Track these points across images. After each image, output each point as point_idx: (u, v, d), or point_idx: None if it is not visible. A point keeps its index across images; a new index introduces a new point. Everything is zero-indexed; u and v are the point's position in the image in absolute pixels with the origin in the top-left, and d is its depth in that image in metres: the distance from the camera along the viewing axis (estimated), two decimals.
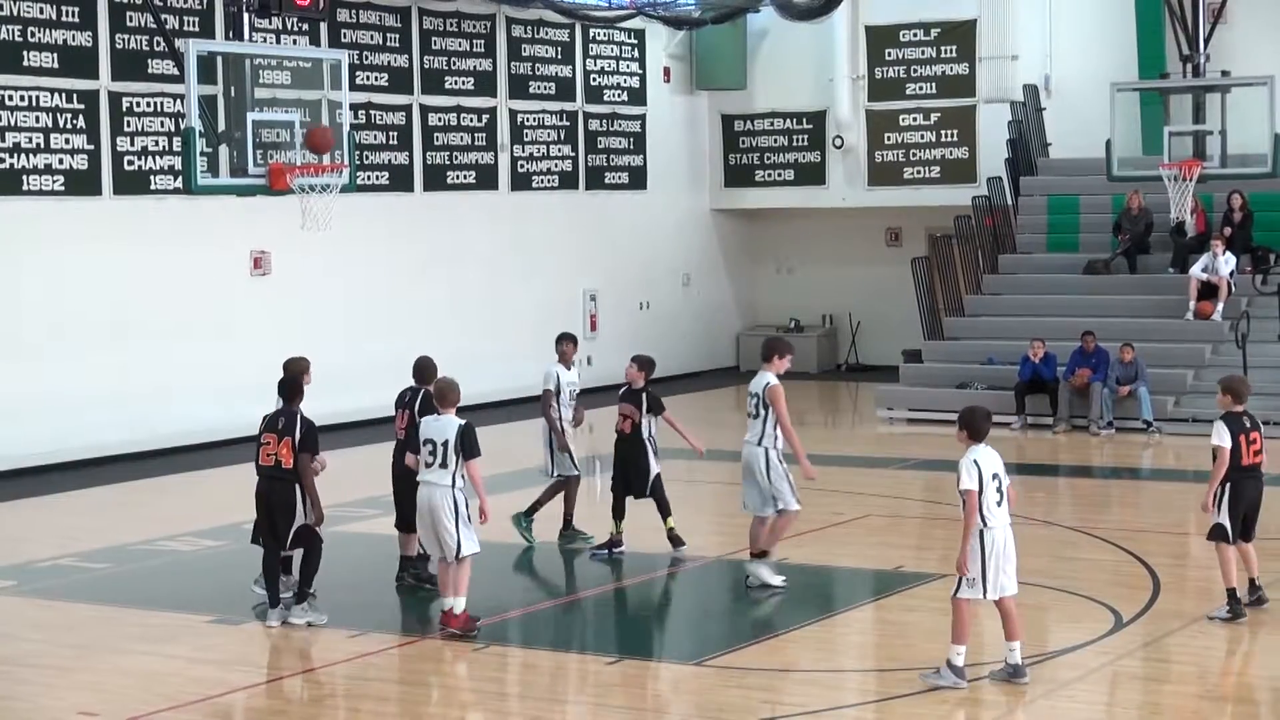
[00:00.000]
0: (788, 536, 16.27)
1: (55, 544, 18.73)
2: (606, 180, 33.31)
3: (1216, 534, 14.66)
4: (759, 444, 15.87)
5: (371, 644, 14.48)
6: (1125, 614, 14.93)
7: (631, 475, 17.81)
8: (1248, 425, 14.65)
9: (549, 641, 14.71)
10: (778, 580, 15.99)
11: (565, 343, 18.74)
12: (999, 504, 12.57)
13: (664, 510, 17.84)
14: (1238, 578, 14.60)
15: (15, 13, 23.65)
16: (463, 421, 14.33)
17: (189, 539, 19.01)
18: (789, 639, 14.34)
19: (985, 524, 12.50)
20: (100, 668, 13.84)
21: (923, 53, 33.70)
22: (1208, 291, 27.67)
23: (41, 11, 23.92)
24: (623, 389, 18.13)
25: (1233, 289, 27.64)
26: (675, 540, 17.79)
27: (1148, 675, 13.48)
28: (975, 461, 12.52)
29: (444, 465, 14.11)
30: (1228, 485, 14.57)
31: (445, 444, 14.11)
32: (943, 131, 33.66)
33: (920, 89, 33.78)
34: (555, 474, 18.25)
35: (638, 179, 34.05)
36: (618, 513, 17.83)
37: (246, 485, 22.99)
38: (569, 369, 18.59)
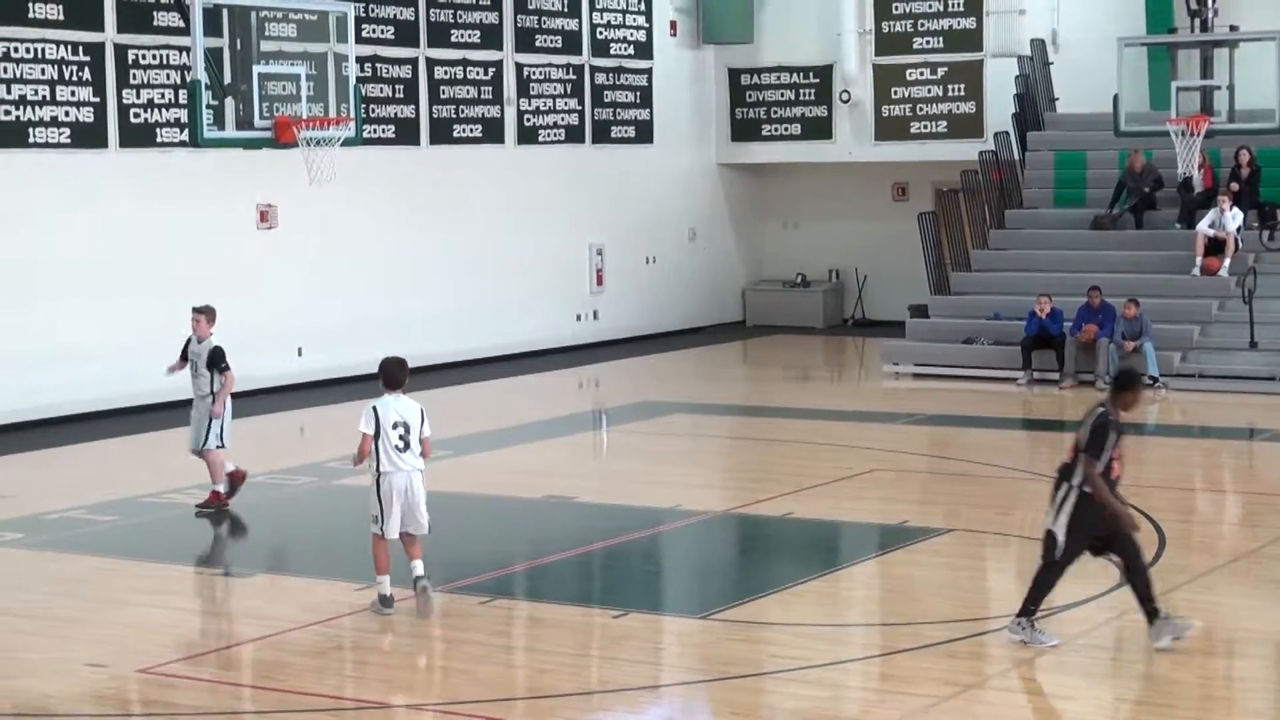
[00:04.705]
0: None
1: (63, 497, 18.77)
2: (613, 134, 33.25)
3: None
4: None
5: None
6: None
7: None
8: None
9: (555, 595, 14.74)
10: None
11: None
12: (400, 450, 13.58)
13: None
14: None
15: None
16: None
17: (196, 492, 18.99)
18: (794, 593, 14.37)
19: (381, 468, 13.58)
20: (109, 620, 13.88)
21: (930, 6, 33.58)
22: (1214, 247, 27.61)
23: None
24: None
25: (1240, 244, 27.57)
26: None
27: None
28: (374, 409, 13.59)
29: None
30: None
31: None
32: (950, 86, 33.57)
33: (927, 43, 33.69)
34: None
35: (644, 133, 33.99)
36: None
37: (256, 439, 23.10)
38: None
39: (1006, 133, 31.31)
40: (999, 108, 32.42)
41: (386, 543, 13.79)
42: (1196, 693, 11.93)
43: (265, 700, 11.98)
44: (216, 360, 17.98)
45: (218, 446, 17.99)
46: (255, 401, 25.67)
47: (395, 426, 13.67)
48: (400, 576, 13.80)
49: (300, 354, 26.99)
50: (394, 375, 13.84)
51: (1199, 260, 27.60)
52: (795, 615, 13.77)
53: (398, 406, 13.76)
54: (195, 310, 18.28)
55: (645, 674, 12.46)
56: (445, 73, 29.72)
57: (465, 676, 12.33)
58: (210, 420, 17.92)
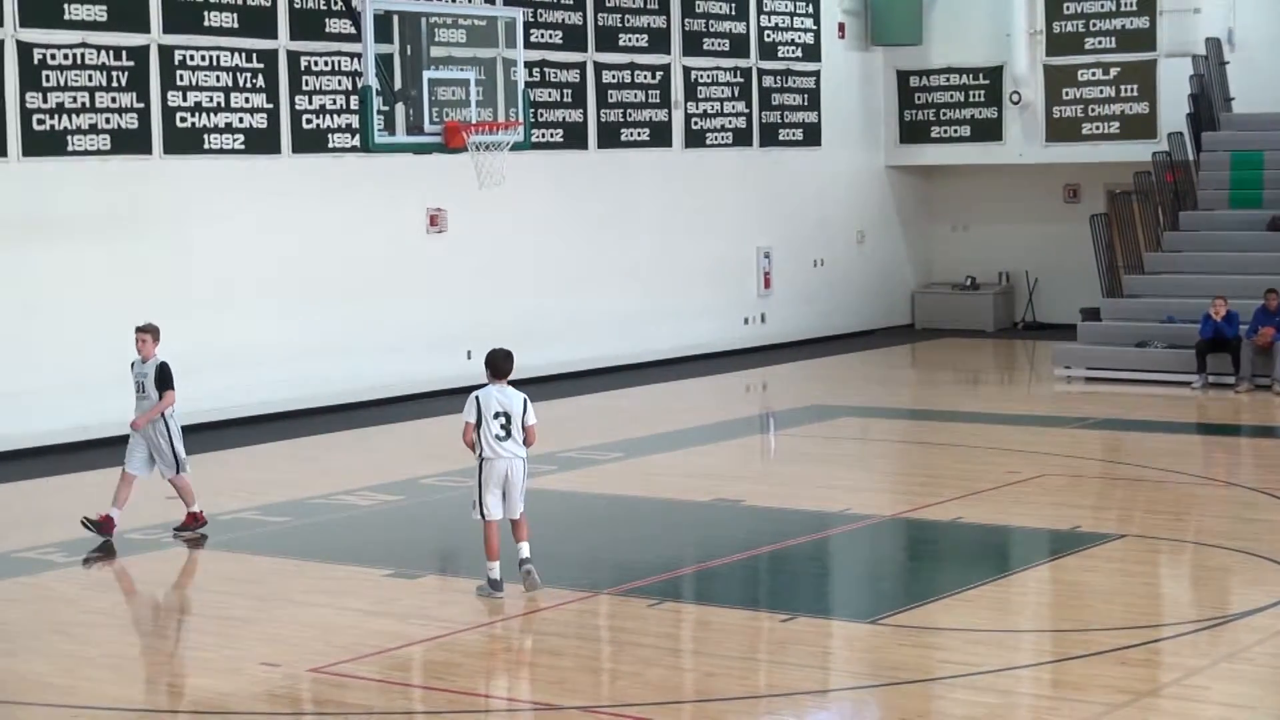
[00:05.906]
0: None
1: (236, 498, 19.03)
2: (781, 137, 33.19)
3: None
4: None
5: (547, 599, 14.57)
6: None
7: None
8: None
9: (724, 598, 14.72)
10: None
11: None
12: (501, 439, 14.16)
13: None
14: None
15: None
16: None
17: (366, 493, 19.24)
18: (964, 598, 14.25)
19: (484, 455, 14.20)
20: (281, 619, 14.04)
21: (1102, 6, 33.21)
22: None
23: None
24: None
25: None
26: None
27: None
28: (476, 398, 14.20)
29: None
30: None
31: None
32: (1122, 86, 33.16)
33: (1099, 43, 33.30)
34: None
35: (812, 136, 33.89)
36: None
37: (425, 442, 23.30)
38: None
39: (1180, 133, 30.86)
40: (1173, 108, 31.98)
41: (496, 528, 14.28)
42: None
43: (435, 701, 12.06)
44: (165, 379, 16.95)
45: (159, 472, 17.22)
46: (424, 404, 25.92)
47: (496, 416, 14.19)
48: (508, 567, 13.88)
49: (469, 357, 27.12)
50: (499, 365, 14.32)
51: None
52: (965, 620, 13.64)
53: (499, 396, 14.24)
54: (139, 330, 17.18)
55: (813, 679, 12.41)
56: (613, 77, 29.81)
57: (633, 679, 12.33)
58: (158, 439, 16.97)
